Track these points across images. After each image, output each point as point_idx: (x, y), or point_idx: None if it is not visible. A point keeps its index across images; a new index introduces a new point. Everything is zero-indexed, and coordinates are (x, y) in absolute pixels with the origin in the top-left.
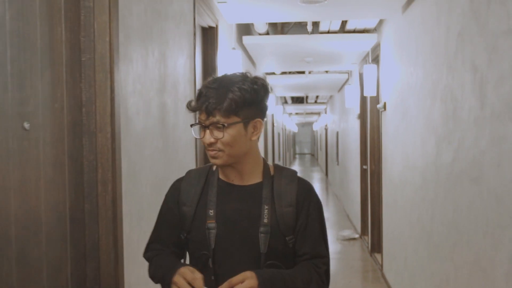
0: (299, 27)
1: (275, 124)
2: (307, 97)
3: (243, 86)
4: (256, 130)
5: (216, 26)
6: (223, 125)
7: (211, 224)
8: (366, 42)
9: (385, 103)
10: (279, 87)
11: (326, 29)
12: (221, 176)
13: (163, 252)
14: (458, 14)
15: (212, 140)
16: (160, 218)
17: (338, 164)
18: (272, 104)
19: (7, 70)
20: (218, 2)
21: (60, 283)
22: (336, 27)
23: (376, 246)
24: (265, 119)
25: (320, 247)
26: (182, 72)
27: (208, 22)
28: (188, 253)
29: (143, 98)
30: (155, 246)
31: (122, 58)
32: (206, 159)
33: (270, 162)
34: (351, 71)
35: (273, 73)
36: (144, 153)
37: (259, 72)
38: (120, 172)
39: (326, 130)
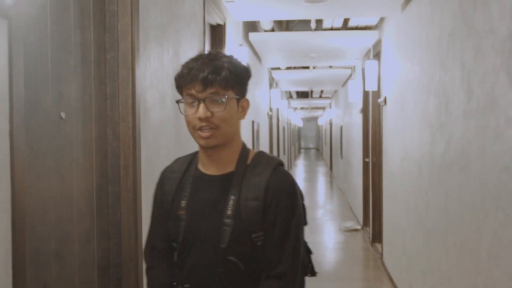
0: (303, 24)
1: (280, 119)
2: (312, 91)
3: (234, 61)
4: (244, 110)
5: (224, 24)
6: (225, 96)
7: (182, 215)
8: (368, 38)
9: (385, 97)
10: (284, 82)
11: (329, 26)
12: (199, 165)
13: (158, 265)
14: (449, 14)
15: (209, 114)
16: (153, 210)
17: (342, 158)
18: (277, 99)
19: (48, 68)
20: (226, 1)
21: (88, 254)
22: (339, 24)
23: (377, 236)
24: None
25: (283, 260)
26: None
27: (216, 20)
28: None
29: (159, 92)
30: (154, 243)
31: (141, 55)
32: None
33: (255, 149)
34: (354, 66)
35: (278, 68)
36: (160, 142)
37: (264, 67)
38: (140, 158)
39: (330, 124)
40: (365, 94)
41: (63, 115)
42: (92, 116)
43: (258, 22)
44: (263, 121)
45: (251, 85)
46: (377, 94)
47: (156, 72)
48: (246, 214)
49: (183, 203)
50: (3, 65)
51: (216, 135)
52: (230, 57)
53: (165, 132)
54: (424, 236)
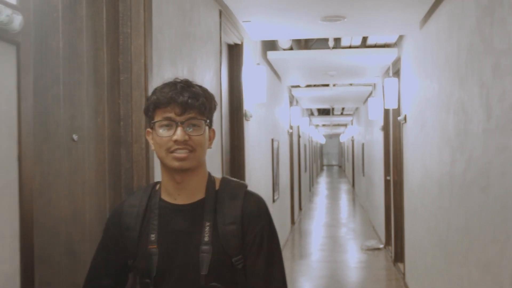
0: (322, 41)
1: (300, 136)
2: (333, 109)
3: (207, 92)
4: (211, 140)
5: (241, 43)
6: (204, 121)
7: (153, 249)
8: (387, 56)
9: (405, 115)
10: (304, 100)
11: (348, 44)
12: (163, 196)
13: None
14: (467, 32)
15: (187, 137)
16: (100, 247)
17: (364, 175)
18: (297, 116)
19: (60, 90)
20: (243, 21)
21: None
22: (358, 42)
23: (399, 256)
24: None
25: (270, 282)
26: (209, 88)
27: (233, 39)
28: (135, 280)
29: None
30: (96, 283)
31: (155, 76)
32: (233, 170)
33: (218, 176)
34: (375, 84)
35: (298, 86)
36: None
37: (283, 85)
38: (153, 178)
39: (352, 141)
40: (386, 111)
41: (75, 137)
42: (105, 137)
43: (277, 40)
44: (283, 138)
45: (271, 102)
46: (397, 111)
47: None
48: (225, 239)
49: (153, 236)
50: (11, 90)
51: (191, 157)
52: (202, 87)
53: None
54: (445, 257)
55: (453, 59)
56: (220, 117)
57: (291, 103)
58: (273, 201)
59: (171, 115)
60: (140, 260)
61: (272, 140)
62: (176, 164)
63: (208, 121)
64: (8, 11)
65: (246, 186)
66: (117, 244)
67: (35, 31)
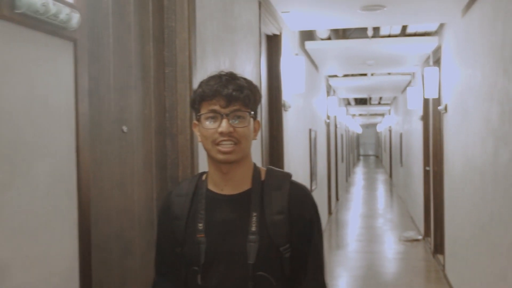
0: (360, 30)
1: (337, 126)
2: (370, 98)
3: (252, 84)
4: (256, 131)
5: (280, 33)
6: (248, 113)
7: (201, 238)
8: (427, 45)
9: (446, 105)
10: (342, 89)
11: (387, 33)
12: (209, 186)
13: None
14: None
15: (231, 129)
16: (158, 236)
17: (402, 165)
18: (334, 106)
19: (110, 84)
20: (282, 12)
21: (149, 263)
22: (397, 30)
23: (439, 247)
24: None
25: (316, 273)
26: (250, 79)
27: (272, 30)
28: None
29: None
30: (160, 269)
31: (199, 69)
32: (271, 160)
33: (263, 166)
34: (414, 73)
35: (336, 76)
36: None
37: (321, 75)
38: (197, 169)
39: (390, 131)
40: (425, 101)
41: (124, 128)
42: (152, 129)
43: (315, 30)
44: (320, 129)
45: (308, 92)
46: (437, 101)
47: None
48: (272, 229)
49: (200, 225)
50: (69, 85)
51: (237, 150)
52: (246, 79)
53: None
54: (488, 249)
55: (497, 47)
56: (260, 108)
57: (328, 93)
58: (311, 191)
59: (216, 107)
60: (187, 248)
61: (310, 130)
62: (221, 157)
63: (252, 112)
64: (67, 10)
65: (290, 176)
66: (167, 232)
67: (88, 27)
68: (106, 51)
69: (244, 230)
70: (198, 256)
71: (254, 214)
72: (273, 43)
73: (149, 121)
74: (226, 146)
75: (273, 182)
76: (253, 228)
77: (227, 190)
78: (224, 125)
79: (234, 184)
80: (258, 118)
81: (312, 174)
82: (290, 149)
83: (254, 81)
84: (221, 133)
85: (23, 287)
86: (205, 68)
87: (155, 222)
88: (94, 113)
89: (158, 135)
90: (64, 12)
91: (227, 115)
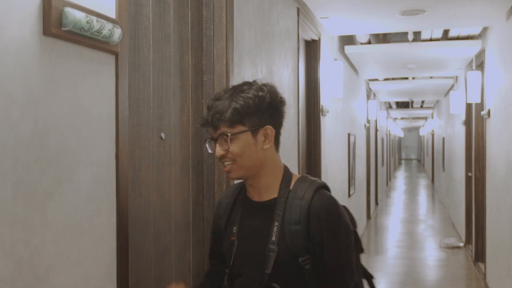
0: (401, 34)
1: (378, 129)
2: (412, 102)
3: (247, 94)
4: (268, 138)
5: (319, 39)
6: (227, 135)
7: (233, 240)
8: (470, 49)
9: (489, 109)
10: (382, 93)
11: (428, 37)
12: (247, 192)
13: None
14: None
15: (222, 152)
16: (210, 231)
17: (444, 170)
18: (374, 110)
19: (150, 92)
20: (320, 18)
21: (184, 264)
22: (439, 34)
23: (480, 255)
24: (281, 125)
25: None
26: (287, 84)
27: (311, 36)
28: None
29: None
30: (211, 261)
31: (236, 76)
32: (309, 164)
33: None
34: (457, 76)
35: (376, 80)
36: None
37: (361, 79)
38: None
39: (432, 135)
40: (468, 105)
41: (163, 135)
42: (189, 135)
43: (354, 35)
44: (360, 132)
45: (348, 96)
46: (480, 106)
47: None
48: (290, 239)
49: (235, 229)
50: (111, 96)
51: (235, 168)
52: (249, 87)
53: None
54: None
55: None
56: (297, 113)
57: (368, 97)
58: (349, 195)
59: (210, 131)
60: (225, 248)
61: (349, 134)
62: (228, 176)
63: (249, 125)
64: (109, 26)
65: (318, 186)
66: (214, 230)
67: (129, 39)
68: (146, 61)
69: (266, 239)
70: (230, 257)
71: (276, 223)
72: (311, 48)
73: (187, 128)
74: (225, 165)
75: (298, 191)
76: (273, 238)
77: (256, 198)
78: (216, 149)
79: (260, 193)
80: (292, 122)
81: (351, 179)
82: (328, 154)
83: (291, 86)
84: (218, 156)
85: None
86: (242, 75)
87: (191, 225)
88: (134, 120)
89: (195, 141)
90: (107, 28)
91: (215, 139)
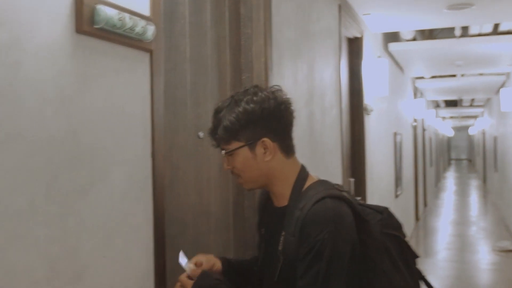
0: (448, 30)
1: (425, 129)
2: (461, 100)
3: (238, 108)
4: (268, 150)
5: (361, 36)
6: (229, 152)
7: (261, 243)
8: None
9: None
10: (429, 91)
11: (477, 32)
12: None
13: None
14: None
15: (229, 166)
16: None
17: (496, 170)
18: (421, 109)
19: (187, 90)
20: (363, 14)
21: None
22: (488, 29)
23: None
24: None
25: None
26: (329, 83)
27: (353, 33)
28: None
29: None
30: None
31: (275, 75)
32: (353, 164)
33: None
34: (509, 73)
35: (422, 77)
36: None
37: (407, 77)
38: None
39: (483, 134)
40: None
41: (201, 134)
42: None
43: (399, 31)
44: (407, 132)
45: (393, 94)
46: None
47: (290, 90)
48: (288, 249)
49: (263, 230)
50: (146, 94)
51: (244, 182)
52: (239, 99)
53: (300, 149)
54: None
55: None
56: (340, 112)
57: (415, 95)
58: (396, 196)
59: None
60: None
61: (395, 133)
62: None
63: (245, 140)
64: (142, 23)
65: (323, 196)
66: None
67: (165, 37)
68: (182, 59)
69: (276, 247)
70: (258, 259)
71: (283, 233)
72: (354, 46)
73: None
74: (236, 178)
75: (302, 200)
76: (280, 247)
77: (276, 203)
78: (223, 165)
79: (277, 199)
80: (335, 122)
81: (397, 179)
82: (373, 154)
83: (333, 85)
84: None
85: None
86: (282, 74)
87: (232, 227)
88: (171, 119)
89: None
90: (140, 25)
91: (223, 155)
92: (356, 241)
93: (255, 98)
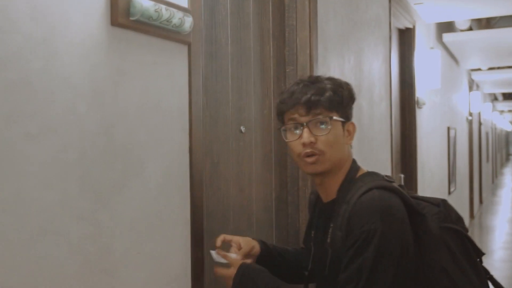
0: (508, 18)
1: (482, 123)
2: None
3: (338, 83)
4: (350, 135)
5: (413, 27)
6: (330, 118)
7: (311, 246)
8: None
9: None
10: (487, 84)
11: None
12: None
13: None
14: None
15: (312, 139)
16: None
17: None
18: (478, 102)
19: (229, 84)
20: (415, 4)
21: None
22: None
23: None
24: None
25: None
26: (377, 75)
27: (404, 24)
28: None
29: None
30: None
31: (320, 67)
32: (404, 160)
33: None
34: None
35: (479, 69)
36: None
37: (462, 69)
38: None
39: None
40: None
41: (242, 128)
42: (271, 129)
43: (453, 21)
44: (461, 126)
45: (447, 87)
46: None
47: None
48: (336, 244)
49: (313, 233)
50: (183, 87)
51: (322, 161)
52: (333, 78)
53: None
54: None
55: None
56: (389, 105)
57: (470, 88)
58: (449, 193)
59: (296, 116)
60: (305, 252)
61: (448, 128)
62: (308, 169)
63: (335, 117)
64: (180, 14)
65: (370, 187)
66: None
67: (205, 29)
68: (224, 52)
69: (325, 241)
70: (308, 261)
71: (331, 225)
72: (405, 37)
73: (268, 121)
74: (311, 155)
75: (349, 193)
76: (328, 240)
77: (324, 198)
78: (305, 135)
79: (327, 193)
80: (385, 116)
81: (451, 175)
82: (425, 149)
83: (383, 78)
84: (304, 144)
85: (135, 284)
86: (328, 66)
87: (274, 223)
88: (211, 113)
89: (278, 135)
90: (177, 17)
91: (307, 123)
92: (408, 236)
93: (347, 83)
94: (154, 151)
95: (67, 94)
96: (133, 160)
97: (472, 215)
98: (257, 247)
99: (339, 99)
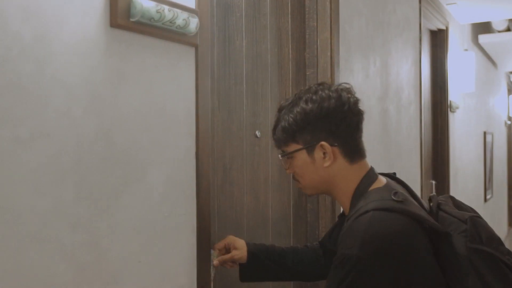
0: None
1: None
2: None
3: (297, 108)
4: (327, 155)
5: (446, 28)
6: (285, 155)
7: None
8: None
9: None
10: None
11: None
12: None
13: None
14: None
15: (289, 171)
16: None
17: None
18: None
19: (243, 87)
20: (447, 4)
21: None
22: None
23: None
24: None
25: None
26: (406, 79)
27: (437, 25)
28: None
29: (364, 105)
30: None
31: (342, 70)
32: (435, 166)
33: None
34: None
35: None
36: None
37: (500, 71)
38: None
39: None
40: None
41: (258, 133)
42: None
43: (490, 22)
44: (499, 131)
45: (483, 90)
46: None
47: (360, 86)
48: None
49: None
50: (190, 90)
51: (303, 187)
52: (299, 97)
53: (371, 147)
54: None
55: None
56: (419, 109)
57: (509, 91)
58: (485, 200)
59: None
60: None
61: (485, 133)
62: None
63: (302, 142)
64: (184, 15)
65: (366, 209)
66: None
67: (218, 31)
68: (238, 54)
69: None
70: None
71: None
72: (438, 38)
73: None
74: (298, 182)
75: (352, 210)
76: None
77: (345, 210)
78: (285, 168)
79: (343, 206)
80: (414, 120)
81: (487, 182)
82: (458, 154)
83: (412, 81)
84: None
85: None
86: (351, 68)
87: (292, 231)
88: (224, 117)
89: None
90: (181, 18)
91: (280, 157)
92: (407, 267)
93: (314, 97)
94: (158, 156)
95: (61, 97)
96: (134, 166)
97: (510, 224)
98: (242, 254)
99: (291, 128)
